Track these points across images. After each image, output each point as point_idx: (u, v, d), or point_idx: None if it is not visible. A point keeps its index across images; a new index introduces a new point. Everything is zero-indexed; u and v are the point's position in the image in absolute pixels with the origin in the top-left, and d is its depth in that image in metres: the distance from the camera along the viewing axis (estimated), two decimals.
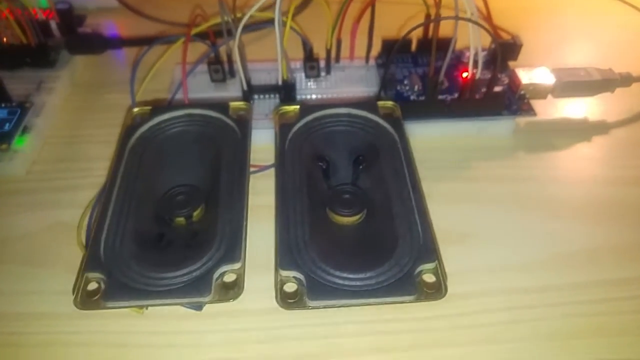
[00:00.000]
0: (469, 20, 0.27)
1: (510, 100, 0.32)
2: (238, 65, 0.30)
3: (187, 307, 0.23)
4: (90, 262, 0.22)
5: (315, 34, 0.34)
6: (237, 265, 0.22)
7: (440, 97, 0.31)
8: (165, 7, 0.42)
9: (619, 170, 0.30)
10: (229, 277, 0.22)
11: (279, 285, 0.21)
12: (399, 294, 0.21)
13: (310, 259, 0.22)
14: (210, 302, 0.21)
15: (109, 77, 0.36)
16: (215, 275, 0.21)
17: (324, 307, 0.21)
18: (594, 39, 0.40)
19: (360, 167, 0.27)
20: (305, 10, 0.41)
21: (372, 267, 0.22)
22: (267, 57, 0.33)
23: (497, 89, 0.31)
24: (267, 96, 0.33)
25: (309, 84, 0.34)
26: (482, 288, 0.24)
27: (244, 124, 0.28)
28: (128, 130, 0.28)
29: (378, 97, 0.32)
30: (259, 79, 0.34)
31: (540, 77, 0.31)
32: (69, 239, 0.26)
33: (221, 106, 0.29)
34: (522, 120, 0.32)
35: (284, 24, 0.29)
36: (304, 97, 0.33)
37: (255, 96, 0.32)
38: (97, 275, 0.22)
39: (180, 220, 0.25)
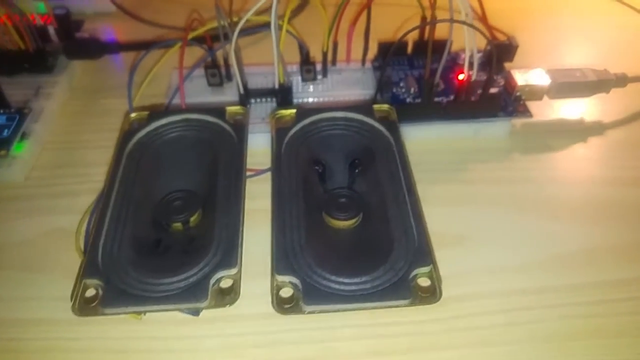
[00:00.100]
0: (463, 23, 0.27)
1: (506, 102, 0.32)
2: (235, 69, 0.30)
3: (185, 313, 0.23)
4: (88, 268, 0.22)
5: (312, 37, 0.34)
6: (233, 271, 0.22)
7: (436, 99, 0.31)
8: (163, 11, 0.43)
9: (616, 171, 0.30)
10: (226, 283, 0.22)
11: (275, 290, 0.22)
12: (394, 298, 0.21)
13: (306, 264, 0.22)
14: (207, 307, 0.21)
15: (106, 82, 0.37)
16: (212, 280, 0.22)
17: (320, 312, 0.21)
18: (589, 39, 0.40)
19: (356, 170, 0.27)
20: (302, 13, 0.41)
21: (368, 272, 0.22)
22: (264, 61, 0.34)
23: (493, 90, 0.32)
24: (264, 100, 0.33)
25: (305, 87, 0.34)
26: (479, 290, 0.24)
27: (240, 129, 0.28)
28: (125, 136, 0.28)
29: (374, 100, 0.32)
30: (255, 82, 0.34)
31: (536, 79, 0.31)
32: (68, 245, 0.26)
33: (218, 111, 0.29)
34: (518, 121, 0.32)
35: (280, 27, 0.29)
36: (300, 100, 0.33)
37: (252, 100, 0.33)
38: (95, 281, 0.22)
39: (178, 225, 0.25)
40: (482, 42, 0.29)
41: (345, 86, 0.34)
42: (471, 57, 0.28)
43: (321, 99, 0.34)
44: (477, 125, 0.31)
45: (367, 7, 0.32)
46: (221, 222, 0.24)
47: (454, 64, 0.34)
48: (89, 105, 0.35)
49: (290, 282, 0.22)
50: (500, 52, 0.32)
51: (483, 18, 0.32)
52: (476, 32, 0.27)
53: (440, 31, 0.29)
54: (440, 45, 0.29)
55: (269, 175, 0.27)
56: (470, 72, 0.29)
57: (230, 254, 0.22)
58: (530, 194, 0.29)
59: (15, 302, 0.24)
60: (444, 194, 0.28)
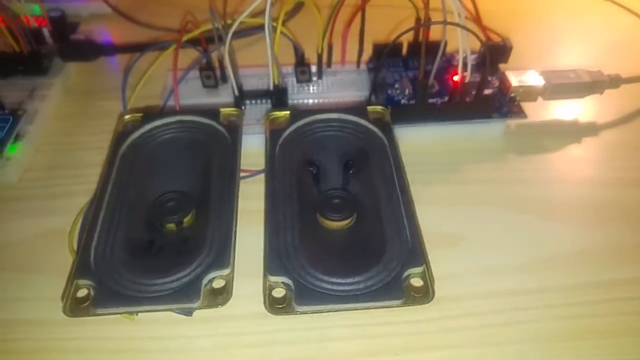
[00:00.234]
0: (456, 24, 0.27)
1: (500, 103, 0.32)
2: (229, 71, 0.30)
3: (178, 313, 0.23)
4: (80, 269, 0.22)
5: (307, 39, 0.34)
6: (226, 271, 0.22)
7: (430, 100, 0.31)
8: (158, 13, 0.43)
9: (610, 172, 0.30)
10: (218, 283, 0.22)
11: (267, 290, 0.22)
12: (387, 299, 0.21)
13: (299, 265, 0.22)
14: (200, 308, 0.21)
15: (101, 84, 0.37)
16: (205, 281, 0.22)
17: (312, 312, 0.21)
18: (583, 40, 0.40)
19: (350, 171, 0.27)
20: (296, 15, 0.41)
21: (361, 272, 0.22)
22: (259, 63, 0.33)
23: (487, 91, 0.32)
24: (259, 101, 0.33)
25: (300, 89, 0.34)
26: (472, 291, 0.24)
27: (234, 130, 0.28)
28: (119, 137, 0.28)
29: (369, 102, 0.32)
30: (250, 84, 0.34)
31: (530, 80, 0.32)
32: (62, 246, 0.26)
33: (212, 112, 0.29)
34: (512, 122, 0.32)
35: (274, 29, 0.29)
36: (295, 102, 0.33)
37: (247, 101, 0.33)
38: (87, 282, 0.22)
39: (171, 226, 0.25)
40: (476, 44, 0.30)
41: (340, 88, 0.34)
42: (465, 58, 0.28)
43: (316, 101, 0.34)
44: (472, 126, 0.31)
45: (362, 8, 0.32)
46: (214, 222, 0.24)
47: (448, 65, 0.34)
48: (83, 107, 0.35)
49: (283, 283, 0.22)
50: (494, 53, 0.32)
51: (477, 19, 0.32)
52: (470, 33, 0.27)
53: (435, 33, 0.29)
54: (435, 47, 0.29)
55: (263, 176, 0.27)
56: (465, 74, 0.29)
57: (223, 255, 0.22)
58: (525, 195, 0.29)
59: (9, 303, 0.24)
60: (438, 195, 0.28)
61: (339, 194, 0.26)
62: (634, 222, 0.27)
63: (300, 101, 0.34)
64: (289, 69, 0.34)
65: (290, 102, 0.33)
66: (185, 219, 0.25)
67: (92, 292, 0.21)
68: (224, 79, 0.34)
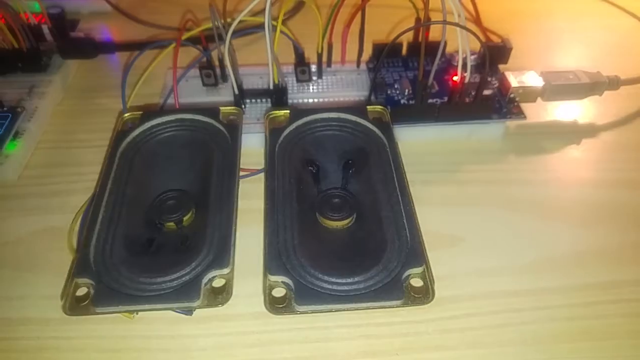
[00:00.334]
0: (456, 24, 0.27)
1: (500, 104, 0.32)
2: (229, 69, 0.30)
3: (178, 312, 0.23)
4: (80, 267, 0.22)
5: (307, 39, 0.34)
6: (226, 271, 0.22)
7: (430, 100, 0.31)
8: (158, 11, 0.43)
9: (609, 173, 0.30)
10: (218, 282, 0.22)
11: (267, 290, 0.22)
12: (387, 299, 0.21)
13: (299, 264, 0.22)
14: (199, 307, 0.21)
15: (101, 82, 0.36)
16: (204, 280, 0.22)
17: (312, 312, 0.21)
18: (582, 41, 0.41)
19: (350, 171, 0.27)
20: (296, 15, 0.41)
21: (361, 272, 0.22)
22: (259, 62, 0.34)
23: (487, 92, 0.32)
24: (258, 100, 0.33)
25: (300, 88, 0.34)
26: (472, 291, 0.24)
27: (234, 129, 0.28)
28: (119, 136, 0.28)
29: (368, 101, 0.32)
30: (250, 83, 0.34)
31: (529, 81, 0.32)
32: (61, 244, 0.26)
33: (212, 111, 0.29)
34: (512, 123, 0.32)
35: (274, 28, 0.29)
36: (295, 101, 0.33)
37: (247, 100, 0.33)
38: (87, 280, 0.22)
39: (171, 225, 0.25)
40: (476, 44, 0.30)
41: (339, 87, 0.34)
42: (465, 58, 0.28)
43: (316, 100, 0.34)
44: (471, 127, 0.31)
45: (362, 8, 0.32)
46: (214, 222, 0.24)
47: (448, 65, 0.34)
48: (83, 104, 0.35)
49: (283, 282, 0.22)
50: (493, 54, 0.33)
51: (477, 20, 0.32)
52: (470, 34, 0.27)
53: (435, 33, 0.29)
54: (434, 47, 0.29)
55: (262, 175, 0.27)
56: (464, 74, 0.29)
57: (222, 254, 0.22)
58: (524, 196, 0.29)
59: (7, 301, 0.24)
60: (438, 195, 0.28)
61: (338, 193, 0.26)
62: (634, 223, 0.27)
63: (300, 100, 0.34)
64: (289, 69, 0.34)
65: (290, 101, 0.33)
66: (185, 218, 0.25)
67: (91, 291, 0.21)
68: (224, 77, 0.34)
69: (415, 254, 0.22)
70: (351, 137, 0.28)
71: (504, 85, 0.32)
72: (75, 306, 0.21)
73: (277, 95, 0.32)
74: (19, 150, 0.30)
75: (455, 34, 0.28)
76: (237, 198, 0.25)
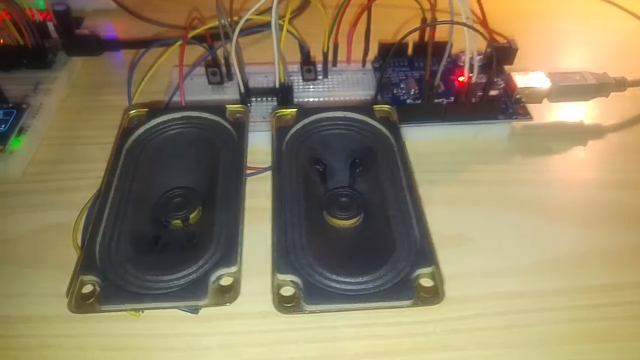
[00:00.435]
0: (464, 24, 0.27)
1: (506, 104, 0.32)
2: (235, 68, 0.30)
3: (184, 310, 0.23)
4: (85, 264, 0.22)
5: (313, 38, 0.34)
6: (233, 269, 0.22)
7: (436, 100, 0.31)
8: (164, 10, 0.42)
9: (615, 175, 0.30)
10: (226, 281, 0.21)
11: (276, 289, 0.21)
12: (396, 299, 0.21)
13: (307, 263, 0.22)
14: (207, 305, 0.21)
15: (106, 79, 0.36)
16: (212, 278, 0.21)
17: (321, 311, 0.21)
18: (588, 42, 0.40)
19: (357, 170, 0.27)
20: (303, 14, 0.41)
21: (369, 271, 0.22)
22: (265, 60, 0.33)
23: (493, 93, 0.32)
24: (264, 99, 0.33)
25: (306, 87, 0.34)
26: (479, 292, 0.24)
27: (240, 127, 0.28)
28: (125, 133, 0.28)
29: (374, 101, 0.32)
30: (256, 81, 0.34)
31: (535, 81, 0.32)
32: (65, 241, 0.25)
33: (218, 109, 0.29)
34: (518, 124, 0.32)
35: (280, 27, 0.29)
36: (301, 100, 0.33)
37: (253, 99, 0.32)
38: (92, 278, 0.21)
39: (177, 222, 0.25)
40: (482, 45, 0.30)
41: (345, 87, 0.34)
42: (471, 59, 0.28)
43: (321, 99, 0.34)
44: (477, 127, 0.31)
45: (368, 8, 0.32)
46: (221, 220, 0.23)
47: (454, 65, 0.34)
48: (88, 101, 0.34)
49: (291, 281, 0.22)
50: (500, 55, 0.33)
51: (483, 21, 0.32)
52: (476, 34, 0.27)
53: (441, 33, 0.29)
54: (440, 47, 0.29)
55: (269, 174, 0.27)
56: (471, 74, 0.29)
57: (230, 252, 0.22)
58: (530, 196, 0.29)
59: (11, 298, 0.24)
60: (444, 195, 0.28)
61: (346, 192, 0.26)
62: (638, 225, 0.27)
63: (306, 99, 0.34)
64: (295, 67, 0.34)
65: (295, 100, 0.33)
66: (192, 216, 0.25)
67: (97, 289, 0.21)
68: (230, 76, 0.34)
69: (425, 253, 0.22)
70: (358, 136, 0.28)
71: (510, 86, 0.32)
72: (80, 304, 0.21)
73: (283, 94, 0.32)
74: (23, 147, 0.30)
75: (462, 35, 0.27)
76: (244, 196, 0.25)
